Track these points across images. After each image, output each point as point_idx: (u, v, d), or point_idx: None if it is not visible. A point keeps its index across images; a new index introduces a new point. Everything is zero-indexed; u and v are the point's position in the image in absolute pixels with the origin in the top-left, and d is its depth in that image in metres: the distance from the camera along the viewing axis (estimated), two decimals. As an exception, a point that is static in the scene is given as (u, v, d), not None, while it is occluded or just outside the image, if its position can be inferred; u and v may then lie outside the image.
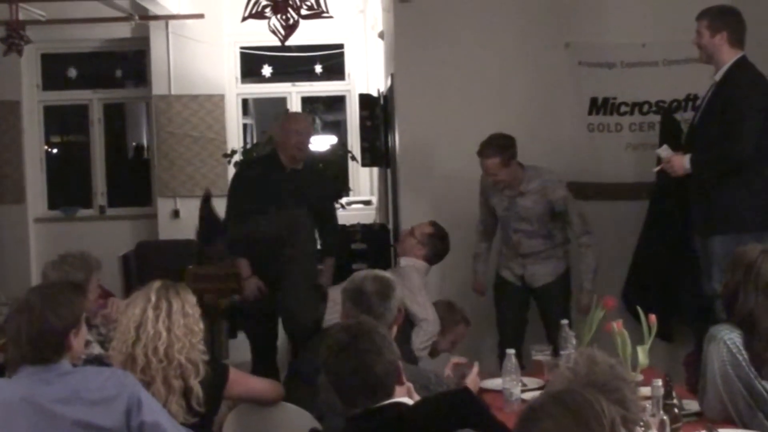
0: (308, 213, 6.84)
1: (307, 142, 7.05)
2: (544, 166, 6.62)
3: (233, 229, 7.11)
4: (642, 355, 4.21)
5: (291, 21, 6.37)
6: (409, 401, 3.19)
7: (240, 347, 9.29)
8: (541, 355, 5.04)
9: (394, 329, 4.14)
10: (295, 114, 7.44)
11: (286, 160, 6.94)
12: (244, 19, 6.51)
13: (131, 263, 11.12)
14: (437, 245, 6.31)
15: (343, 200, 10.56)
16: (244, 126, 12.42)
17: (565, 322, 5.03)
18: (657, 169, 6.08)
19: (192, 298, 4.16)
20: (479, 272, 6.90)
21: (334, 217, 7.39)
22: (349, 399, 3.13)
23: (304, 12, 6.42)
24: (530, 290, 6.76)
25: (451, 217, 7.26)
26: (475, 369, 4.38)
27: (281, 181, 6.88)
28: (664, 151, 6.00)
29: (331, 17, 6.84)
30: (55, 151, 12.45)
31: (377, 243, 8.46)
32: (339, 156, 10.99)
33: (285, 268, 6.49)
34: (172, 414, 3.91)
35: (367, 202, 11.34)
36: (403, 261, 6.31)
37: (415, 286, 6.13)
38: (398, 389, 3.17)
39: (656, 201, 6.97)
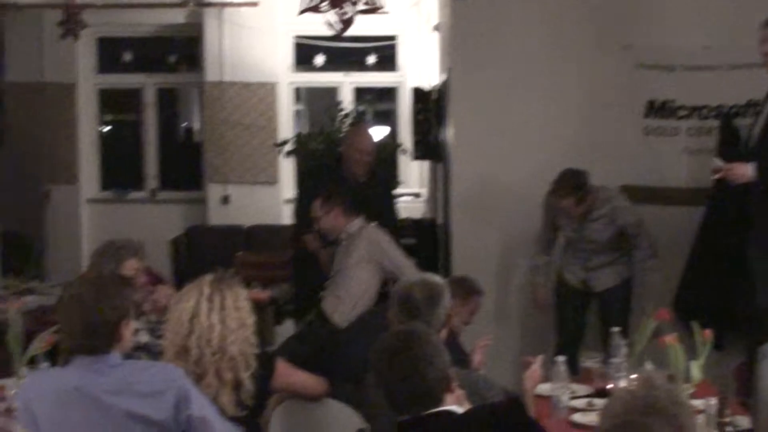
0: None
1: (370, 159, 7.11)
2: (613, 189, 6.63)
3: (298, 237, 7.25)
4: (696, 370, 4.15)
5: (347, 15, 6.34)
6: (459, 409, 3.16)
7: (286, 334, 9.32)
8: (591, 362, 4.99)
9: (444, 332, 4.11)
10: (361, 131, 7.43)
11: (350, 173, 6.98)
12: (301, 12, 6.50)
13: (181, 248, 11.19)
14: None
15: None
16: (296, 112, 12.40)
17: (616, 329, 4.97)
18: (716, 177, 5.96)
19: (244, 291, 4.17)
20: (540, 284, 6.88)
21: (394, 219, 7.44)
22: (398, 405, 3.11)
23: (360, 7, 6.39)
24: (592, 294, 6.72)
25: (501, 214, 7.29)
26: (538, 362, 4.35)
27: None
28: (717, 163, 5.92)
29: (387, 13, 6.80)
30: (108, 133, 12.48)
31: (426, 238, 8.42)
32: (390, 149, 10.93)
33: None
34: (223, 407, 3.92)
35: (417, 195, 11.30)
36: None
37: (386, 241, 6.38)
38: (448, 397, 3.14)
39: (713, 207, 6.88)
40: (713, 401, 3.67)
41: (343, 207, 6.54)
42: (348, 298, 6.40)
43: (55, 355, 4.39)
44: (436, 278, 4.21)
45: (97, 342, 3.54)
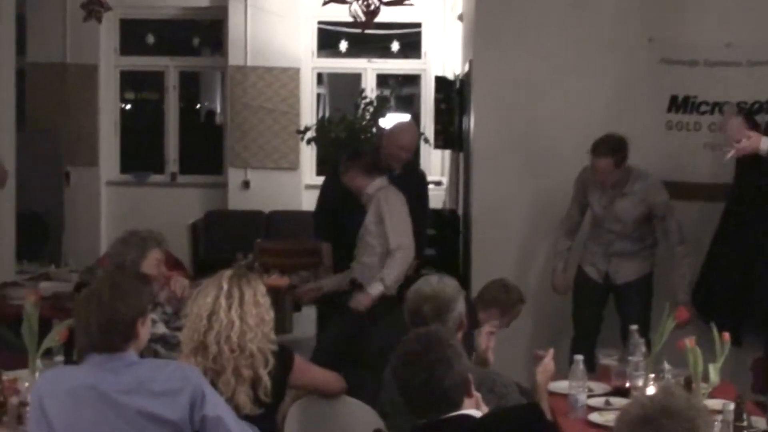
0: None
1: (409, 156, 7.13)
2: (648, 170, 6.59)
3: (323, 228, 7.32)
4: (713, 373, 4.15)
5: (372, 7, 6.33)
6: (477, 413, 3.16)
7: (304, 322, 9.36)
8: (609, 359, 4.99)
9: (460, 335, 4.12)
10: (405, 127, 7.38)
11: (386, 164, 6.91)
12: (326, 3, 6.49)
13: (200, 232, 11.22)
14: None
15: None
16: (318, 95, 12.41)
17: (634, 327, 4.97)
18: (730, 155, 5.92)
19: (263, 287, 4.15)
20: (559, 270, 6.87)
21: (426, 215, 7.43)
22: (416, 409, 3.12)
23: (386, -1, 6.39)
24: (611, 288, 6.72)
25: (523, 206, 7.27)
26: (549, 356, 4.36)
27: None
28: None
29: (411, 5, 6.78)
30: (129, 116, 12.50)
31: (447, 229, 8.42)
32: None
33: None
34: (240, 405, 3.93)
35: (438, 183, 11.30)
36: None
37: (395, 208, 6.39)
38: (467, 401, 3.14)
39: (733, 203, 6.87)
40: (731, 406, 3.67)
41: (363, 167, 6.59)
42: (372, 262, 6.52)
43: (70, 348, 4.40)
44: (448, 288, 4.18)
45: (114, 339, 3.54)
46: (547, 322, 7.22)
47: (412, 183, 7.12)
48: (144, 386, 3.51)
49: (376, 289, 6.45)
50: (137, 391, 3.50)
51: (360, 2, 6.34)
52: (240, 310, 4.00)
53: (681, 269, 6.59)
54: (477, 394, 3.23)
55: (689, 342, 4.10)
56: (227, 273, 4.12)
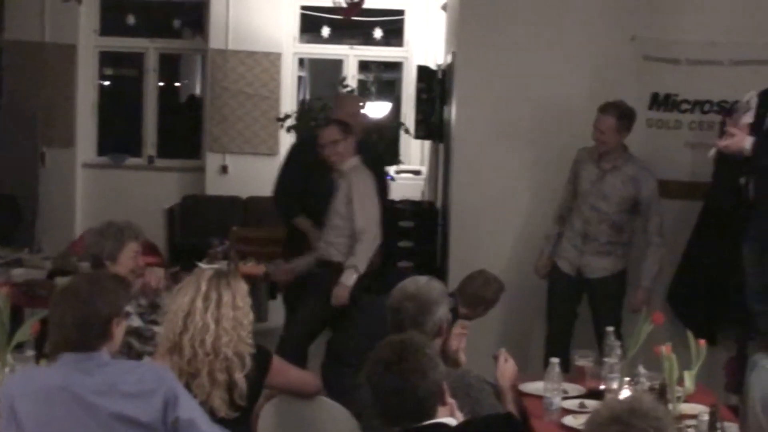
0: None
1: (359, 120, 7.23)
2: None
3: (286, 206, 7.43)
4: (689, 381, 4.14)
5: (356, -1, 6.28)
6: (452, 421, 3.14)
7: (279, 309, 9.31)
8: (584, 360, 4.98)
9: (438, 341, 4.09)
10: (349, 96, 7.46)
11: None
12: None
13: (176, 217, 11.15)
14: None
15: (393, 168, 10.51)
16: (299, 79, 12.34)
17: (610, 329, 4.96)
18: (712, 153, 5.94)
19: (243, 288, 4.09)
20: (545, 254, 6.86)
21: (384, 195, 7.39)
22: (390, 418, 3.08)
23: (369, -11, 6.32)
24: (584, 283, 6.71)
25: (501, 198, 7.25)
26: (501, 357, 4.37)
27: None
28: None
29: (394, 10, 6.73)
30: (107, 98, 12.37)
31: (425, 221, 8.40)
32: (392, 126, 10.90)
33: None
34: (215, 408, 3.89)
35: (417, 172, 11.27)
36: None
37: (366, 190, 6.48)
38: (441, 409, 3.12)
39: (710, 202, 6.88)
40: (705, 417, 3.66)
41: (340, 124, 6.74)
42: (340, 242, 6.60)
43: (42, 342, 4.35)
44: (434, 291, 4.13)
45: (89, 337, 3.49)
46: (523, 317, 7.22)
47: (366, 155, 7.08)
48: (116, 387, 3.47)
49: (350, 279, 6.47)
50: (110, 392, 3.46)
51: (344, -7, 6.29)
52: (217, 313, 3.94)
53: (652, 258, 6.62)
54: (452, 401, 3.20)
55: (665, 349, 4.09)
56: (207, 273, 4.06)
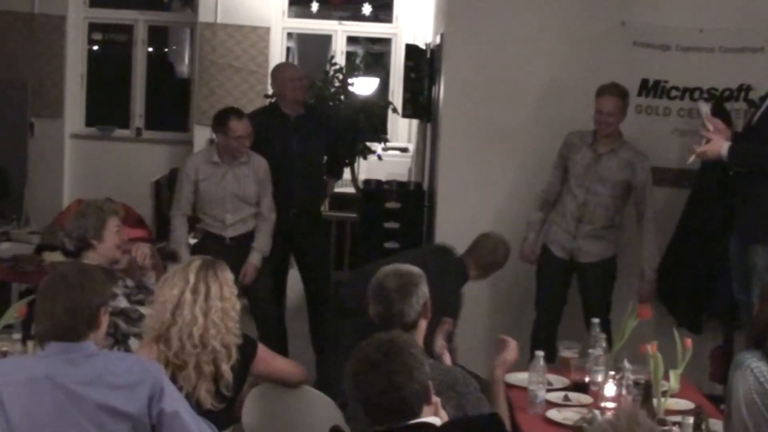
0: (317, 157, 7.54)
1: (301, 84, 7.50)
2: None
3: None
4: (674, 380, 4.16)
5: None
6: (437, 420, 3.15)
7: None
8: (569, 352, 5.00)
9: (423, 324, 4.11)
10: (285, 64, 8.32)
11: (288, 109, 7.40)
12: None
13: (163, 189, 11.10)
14: None
15: (380, 146, 10.50)
16: (287, 50, 12.30)
17: (596, 321, 4.99)
18: (691, 160, 5.97)
19: (230, 277, 4.12)
20: (530, 240, 6.84)
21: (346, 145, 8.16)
22: (375, 417, 3.09)
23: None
24: (575, 267, 6.72)
25: (488, 180, 7.25)
26: (512, 348, 4.39)
27: (288, 131, 7.38)
28: (705, 107, 5.94)
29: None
30: (96, 68, 12.31)
31: (411, 202, 8.39)
32: (380, 104, 10.86)
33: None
34: (200, 400, 3.92)
35: (404, 150, 11.27)
36: None
37: (267, 172, 6.96)
38: (426, 408, 3.13)
39: (698, 191, 6.90)
40: (690, 420, 3.68)
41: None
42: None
43: (29, 324, 4.36)
44: (414, 269, 4.16)
45: (77, 326, 3.51)
46: (510, 302, 7.24)
47: (316, 121, 7.58)
48: (103, 378, 3.48)
49: (259, 260, 6.98)
50: (96, 383, 3.48)
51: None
52: (205, 306, 3.97)
53: (650, 248, 6.63)
54: (437, 400, 3.22)
55: (651, 347, 4.11)
56: (195, 263, 4.08)
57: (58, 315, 3.51)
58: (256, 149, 7.10)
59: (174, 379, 3.81)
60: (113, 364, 3.55)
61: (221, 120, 7.00)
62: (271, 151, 7.24)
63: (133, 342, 4.92)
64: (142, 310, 5.11)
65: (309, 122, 7.45)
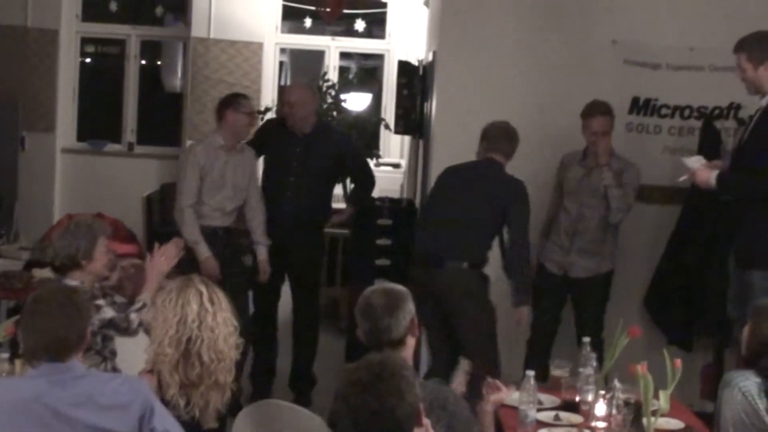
0: (318, 176, 7.42)
1: (306, 110, 7.37)
2: None
3: None
4: (663, 400, 4.17)
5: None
6: (427, 442, 3.16)
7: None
8: (560, 371, 5.00)
9: (411, 342, 4.11)
10: (291, 88, 7.91)
11: (295, 129, 7.35)
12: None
13: (155, 204, 11.11)
14: None
15: (372, 162, 10.50)
16: (280, 64, 12.32)
17: (587, 340, 4.99)
18: (683, 179, 5.99)
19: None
20: None
21: (363, 170, 7.92)
22: (366, 437, 3.09)
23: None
24: (569, 283, 6.73)
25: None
26: (505, 393, 4.39)
27: (293, 145, 7.35)
28: (696, 162, 5.94)
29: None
30: (88, 83, 12.32)
31: (403, 219, 8.40)
32: (372, 121, 10.88)
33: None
34: (207, 418, 3.90)
35: (396, 165, 11.28)
36: None
37: (185, 160, 7.09)
38: (416, 430, 3.13)
39: (689, 209, 6.92)
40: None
41: None
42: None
43: (16, 343, 4.35)
44: (398, 287, 4.15)
45: (65, 347, 3.52)
46: (508, 320, 7.24)
47: (324, 140, 7.48)
48: (93, 399, 3.48)
49: (266, 253, 7.19)
50: (86, 404, 3.48)
51: (326, -5, 6.28)
52: (222, 315, 3.96)
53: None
54: (427, 422, 3.22)
55: (641, 368, 4.11)
56: (196, 277, 4.05)
57: (46, 334, 3.52)
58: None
59: (187, 399, 3.81)
60: (102, 385, 3.55)
61: (231, 98, 7.19)
62: (274, 163, 7.39)
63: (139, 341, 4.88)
64: (132, 316, 5.10)
65: (316, 140, 7.38)
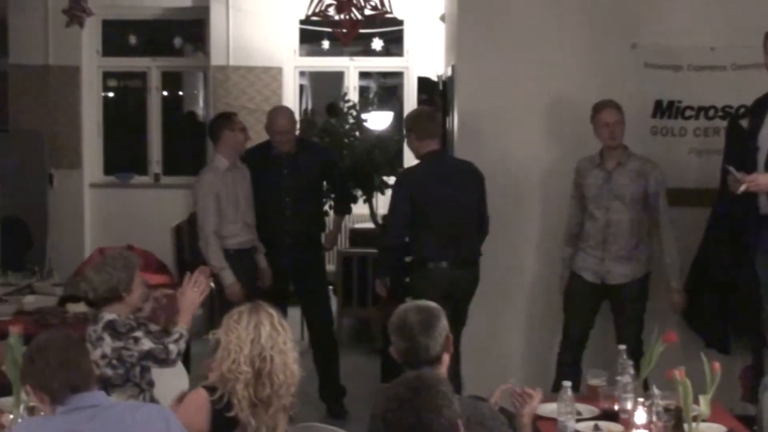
0: (310, 190, 7.75)
1: (289, 137, 7.61)
2: None
3: None
4: (704, 405, 4.13)
5: (354, 19, 6.29)
6: (467, 459, 3.13)
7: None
8: (596, 380, 4.96)
9: (446, 358, 4.10)
10: (276, 112, 7.93)
11: (278, 149, 7.61)
12: (308, 17, 6.47)
13: (184, 234, 11.13)
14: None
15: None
16: (301, 87, 12.35)
17: (623, 347, 4.95)
18: (742, 189, 5.86)
19: None
20: (566, 276, 6.84)
21: (342, 182, 8.31)
22: (404, 456, 3.08)
23: (367, 12, 6.34)
24: (606, 290, 6.68)
25: (507, 210, 7.23)
26: (536, 399, 4.35)
27: (279, 166, 7.57)
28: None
29: (394, 18, 6.76)
30: (112, 116, 12.40)
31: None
32: (394, 139, 10.88)
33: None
34: None
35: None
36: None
37: (200, 190, 7.24)
38: (455, 448, 3.11)
39: (719, 208, 6.86)
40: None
41: None
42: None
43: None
44: (431, 304, 4.16)
45: (87, 374, 3.59)
46: (542, 332, 7.23)
47: (308, 155, 7.75)
48: (125, 428, 3.49)
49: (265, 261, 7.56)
50: None
51: (342, 16, 6.29)
52: (290, 339, 4.02)
53: (670, 254, 6.62)
54: (466, 438, 3.20)
55: (678, 373, 4.08)
56: (262, 303, 4.09)
57: (65, 368, 3.53)
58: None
59: (259, 419, 3.87)
60: (131, 413, 3.58)
61: (222, 118, 7.56)
62: (264, 186, 7.51)
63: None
64: (171, 346, 5.11)
65: (301, 157, 7.62)
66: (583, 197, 6.70)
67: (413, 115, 7.24)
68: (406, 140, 7.21)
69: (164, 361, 5.09)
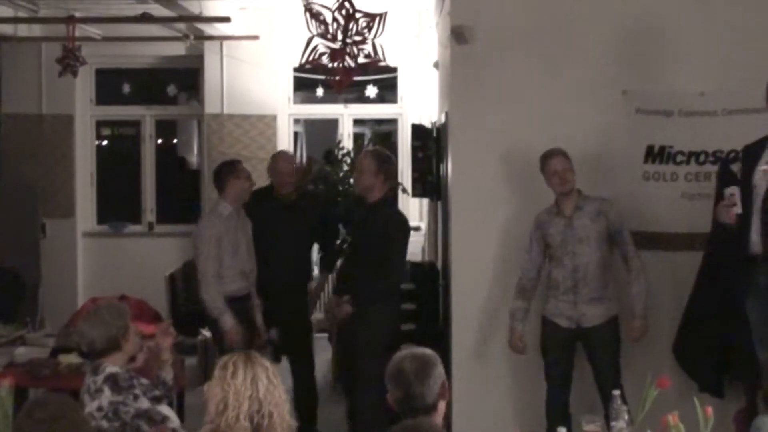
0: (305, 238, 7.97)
1: (292, 180, 7.87)
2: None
3: None
4: (698, 452, 4.12)
5: (348, 67, 6.33)
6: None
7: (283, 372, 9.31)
8: (592, 426, 4.94)
9: (442, 406, 4.09)
10: (280, 156, 8.20)
11: (280, 195, 7.82)
12: (301, 65, 6.49)
13: (178, 282, 11.12)
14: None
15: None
16: (295, 134, 12.38)
17: (617, 392, 4.94)
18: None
19: None
20: (518, 330, 6.83)
21: (334, 238, 8.47)
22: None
23: (361, 60, 6.38)
24: (580, 333, 6.70)
25: (504, 257, 7.23)
26: None
27: (278, 212, 7.77)
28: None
29: (387, 65, 6.81)
30: (105, 165, 12.43)
31: (426, 282, 8.38)
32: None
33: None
34: None
35: (416, 228, 11.26)
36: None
37: (202, 235, 7.26)
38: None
39: (711, 252, 6.86)
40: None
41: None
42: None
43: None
44: (427, 351, 4.17)
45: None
46: (531, 375, 7.21)
47: (308, 204, 7.98)
48: None
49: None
50: None
51: (335, 64, 6.33)
52: (283, 390, 4.02)
53: (638, 285, 6.69)
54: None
55: (672, 418, 4.07)
56: (255, 353, 4.08)
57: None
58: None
59: None
60: None
61: (229, 167, 7.61)
62: (262, 230, 7.60)
63: None
64: (164, 411, 5.10)
65: (299, 207, 7.79)
66: (548, 246, 6.77)
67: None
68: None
69: (155, 423, 5.06)
